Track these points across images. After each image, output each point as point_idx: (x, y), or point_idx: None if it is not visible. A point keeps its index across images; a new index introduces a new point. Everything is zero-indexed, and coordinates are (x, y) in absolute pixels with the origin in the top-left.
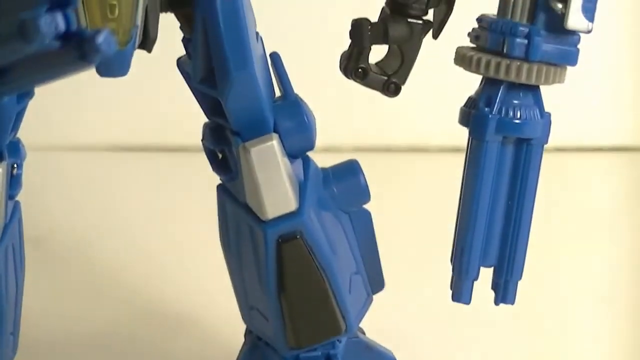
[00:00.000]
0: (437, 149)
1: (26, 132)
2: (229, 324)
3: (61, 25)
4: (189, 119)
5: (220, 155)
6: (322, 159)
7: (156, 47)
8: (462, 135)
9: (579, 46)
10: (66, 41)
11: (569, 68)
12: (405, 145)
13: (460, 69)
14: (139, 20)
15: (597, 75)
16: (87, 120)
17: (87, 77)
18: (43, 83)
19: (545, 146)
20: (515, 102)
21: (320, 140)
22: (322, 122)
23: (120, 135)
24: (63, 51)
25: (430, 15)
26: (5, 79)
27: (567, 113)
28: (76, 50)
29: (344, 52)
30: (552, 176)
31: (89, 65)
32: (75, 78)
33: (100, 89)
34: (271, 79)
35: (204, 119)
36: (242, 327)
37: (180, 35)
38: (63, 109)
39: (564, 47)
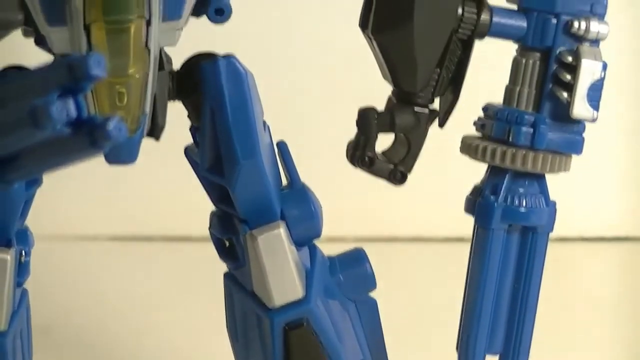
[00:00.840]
0: (442, 239)
1: (33, 221)
2: None
3: (72, 112)
4: (196, 207)
5: (227, 244)
6: (328, 248)
7: (164, 135)
8: (467, 225)
9: (584, 135)
10: (77, 128)
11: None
12: (410, 235)
13: (465, 158)
14: (148, 108)
15: (600, 166)
16: (94, 210)
17: (97, 165)
18: (53, 169)
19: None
20: (521, 190)
21: (326, 229)
22: (329, 211)
23: (128, 225)
24: (74, 137)
25: (436, 104)
26: (15, 165)
27: (570, 203)
28: (87, 137)
29: (351, 140)
30: (555, 265)
31: (99, 152)
32: (84, 166)
33: (108, 176)
34: (278, 168)
35: (211, 207)
36: None
37: (188, 123)
38: (71, 198)
39: (569, 136)
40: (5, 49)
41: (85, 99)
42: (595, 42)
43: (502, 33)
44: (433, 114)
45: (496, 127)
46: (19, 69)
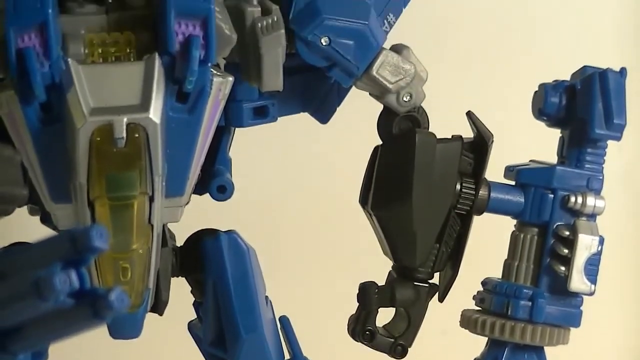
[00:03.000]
0: None
1: None
2: None
3: (75, 283)
4: None
5: None
6: None
7: (167, 310)
8: None
9: (581, 308)
10: (80, 299)
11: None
12: None
13: (466, 331)
14: (151, 284)
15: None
16: None
17: (99, 337)
18: (56, 340)
19: None
20: None
21: None
22: None
23: None
24: (77, 308)
25: (436, 279)
26: (19, 336)
27: None
28: (89, 308)
29: (352, 315)
30: None
31: (102, 323)
32: (84, 338)
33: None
34: (280, 342)
35: None
36: None
37: (192, 298)
38: None
39: (567, 309)
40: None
41: (89, 271)
42: (592, 216)
43: (500, 209)
44: (433, 288)
45: (495, 301)
46: (22, 245)
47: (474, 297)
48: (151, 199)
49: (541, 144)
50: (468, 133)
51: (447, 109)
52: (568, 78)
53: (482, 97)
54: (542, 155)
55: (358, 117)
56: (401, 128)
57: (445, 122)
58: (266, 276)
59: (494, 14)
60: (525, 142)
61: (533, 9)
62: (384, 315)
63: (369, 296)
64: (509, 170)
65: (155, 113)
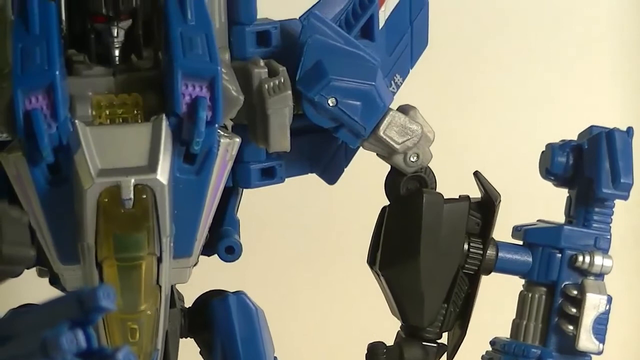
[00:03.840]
0: None
1: None
2: None
3: (82, 343)
4: None
5: None
6: None
7: None
8: None
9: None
10: (87, 359)
11: None
12: None
13: None
14: (160, 345)
15: None
16: None
17: None
18: None
19: None
20: None
21: None
22: None
23: None
24: None
25: (444, 339)
26: None
27: None
28: None
29: None
30: None
31: None
32: None
33: None
34: None
35: None
36: None
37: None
38: None
39: None
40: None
41: (97, 333)
42: (600, 275)
43: (508, 268)
44: (442, 348)
45: None
46: (31, 306)
47: (483, 357)
48: (159, 260)
49: (548, 203)
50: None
51: (457, 167)
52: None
53: (489, 155)
54: (550, 214)
55: (365, 177)
56: (408, 188)
57: (453, 183)
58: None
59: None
60: (532, 201)
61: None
62: None
63: (377, 356)
64: (517, 230)
65: (162, 174)
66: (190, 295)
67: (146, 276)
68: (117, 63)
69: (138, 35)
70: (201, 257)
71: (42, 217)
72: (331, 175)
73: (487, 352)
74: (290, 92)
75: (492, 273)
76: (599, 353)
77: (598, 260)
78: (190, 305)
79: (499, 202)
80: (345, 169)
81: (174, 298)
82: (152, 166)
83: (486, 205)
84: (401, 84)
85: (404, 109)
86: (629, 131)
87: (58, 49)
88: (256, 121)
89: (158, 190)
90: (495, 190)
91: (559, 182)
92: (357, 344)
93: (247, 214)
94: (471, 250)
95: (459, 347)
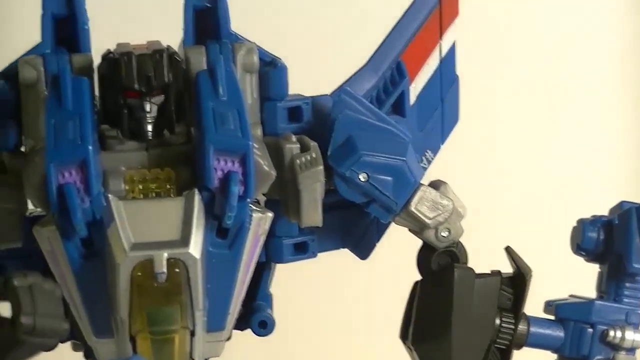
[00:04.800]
0: None
1: None
2: None
3: None
4: None
5: None
6: None
7: None
8: None
9: None
10: None
11: None
12: None
13: None
14: None
15: None
16: None
17: None
18: None
19: None
20: None
21: None
22: None
23: None
24: None
25: None
26: None
27: None
28: None
29: None
30: None
31: None
32: None
33: None
34: None
35: None
36: None
37: None
38: None
39: None
40: None
41: None
42: (631, 350)
43: (540, 343)
44: None
45: None
46: None
47: None
48: (192, 334)
49: (580, 278)
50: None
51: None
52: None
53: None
54: (581, 289)
55: (397, 252)
56: (440, 264)
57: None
58: None
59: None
60: (564, 276)
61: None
62: None
63: None
64: (548, 305)
65: (195, 248)
66: None
67: (180, 350)
68: (150, 138)
69: (170, 111)
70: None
71: (75, 291)
72: (363, 250)
73: None
74: (321, 167)
75: (524, 347)
76: None
77: (629, 335)
78: None
79: (530, 277)
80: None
81: None
82: (184, 240)
83: (517, 280)
84: (432, 159)
85: (435, 184)
86: None
87: (91, 124)
88: (288, 196)
89: (191, 265)
90: (526, 265)
91: (590, 257)
92: None
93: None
94: (503, 325)
95: None
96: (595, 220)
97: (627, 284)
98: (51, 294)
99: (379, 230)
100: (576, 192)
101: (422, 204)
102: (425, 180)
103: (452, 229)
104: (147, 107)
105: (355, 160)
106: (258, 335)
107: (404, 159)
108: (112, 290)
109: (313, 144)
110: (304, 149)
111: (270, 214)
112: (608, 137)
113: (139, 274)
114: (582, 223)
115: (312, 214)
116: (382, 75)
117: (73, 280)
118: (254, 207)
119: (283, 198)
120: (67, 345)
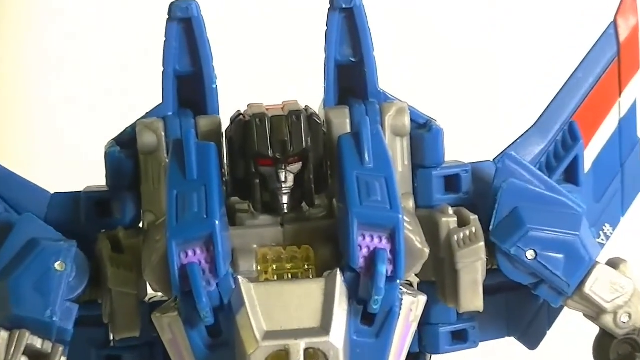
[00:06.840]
0: None
1: None
2: None
3: None
4: None
5: None
6: None
7: None
8: None
9: None
10: None
11: None
12: None
13: None
14: None
15: None
16: None
17: None
18: None
19: None
20: None
21: None
22: None
23: None
24: None
25: None
26: None
27: None
28: None
29: None
30: None
31: None
32: None
33: None
34: None
35: None
36: None
37: None
38: None
39: None
40: None
41: None
42: None
43: None
44: None
45: None
46: None
47: None
48: None
49: None
50: None
51: None
52: None
53: None
54: None
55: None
56: (620, 354)
57: None
58: None
59: None
60: None
61: None
62: None
63: None
64: None
65: (336, 337)
66: None
67: None
68: (286, 212)
69: (309, 180)
70: None
71: None
72: (532, 339)
73: None
74: (483, 243)
75: None
76: None
77: None
78: None
79: None
80: None
81: None
82: (325, 328)
83: None
84: (611, 234)
85: (614, 263)
86: None
87: (218, 196)
88: (445, 277)
89: (332, 355)
90: None
91: None
92: None
93: None
94: None
95: None
96: None
97: None
98: None
99: (550, 315)
100: None
101: (598, 285)
102: (603, 258)
103: (633, 313)
104: (283, 176)
105: (521, 235)
106: None
107: (577, 233)
108: None
109: (473, 218)
110: (463, 223)
111: (423, 298)
112: None
113: None
114: None
115: (472, 298)
116: (552, 138)
117: None
118: (405, 290)
119: (438, 279)
120: None
